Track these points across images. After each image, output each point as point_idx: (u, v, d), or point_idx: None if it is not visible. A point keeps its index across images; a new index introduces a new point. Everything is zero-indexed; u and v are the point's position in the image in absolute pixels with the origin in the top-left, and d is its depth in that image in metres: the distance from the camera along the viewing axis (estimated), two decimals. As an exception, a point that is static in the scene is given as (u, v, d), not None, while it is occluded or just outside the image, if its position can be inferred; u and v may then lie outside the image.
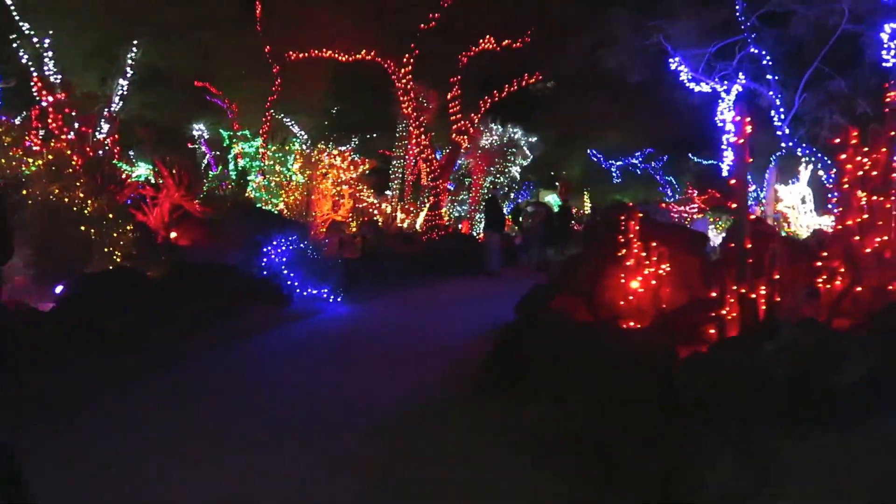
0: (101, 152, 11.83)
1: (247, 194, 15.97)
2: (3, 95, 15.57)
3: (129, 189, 11.09)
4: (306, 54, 17.47)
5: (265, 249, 9.92)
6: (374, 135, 27.01)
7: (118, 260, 8.79)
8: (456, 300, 11.70)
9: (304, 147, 15.64)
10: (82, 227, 8.31)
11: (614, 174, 25.70)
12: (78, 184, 9.14)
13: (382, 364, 6.99)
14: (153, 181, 12.81)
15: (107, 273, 7.32)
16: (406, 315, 9.97)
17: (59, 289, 7.10)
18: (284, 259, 9.89)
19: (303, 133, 22.12)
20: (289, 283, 9.66)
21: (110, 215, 8.65)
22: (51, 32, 17.31)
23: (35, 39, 16.87)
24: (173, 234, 10.94)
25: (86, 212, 8.51)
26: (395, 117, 21.77)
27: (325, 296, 9.99)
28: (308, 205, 13.18)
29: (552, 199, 33.17)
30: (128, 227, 9.15)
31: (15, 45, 16.90)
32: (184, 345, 7.24)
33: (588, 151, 25.93)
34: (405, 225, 18.66)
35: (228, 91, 21.37)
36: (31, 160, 8.96)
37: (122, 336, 6.60)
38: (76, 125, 14.18)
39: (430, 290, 12.52)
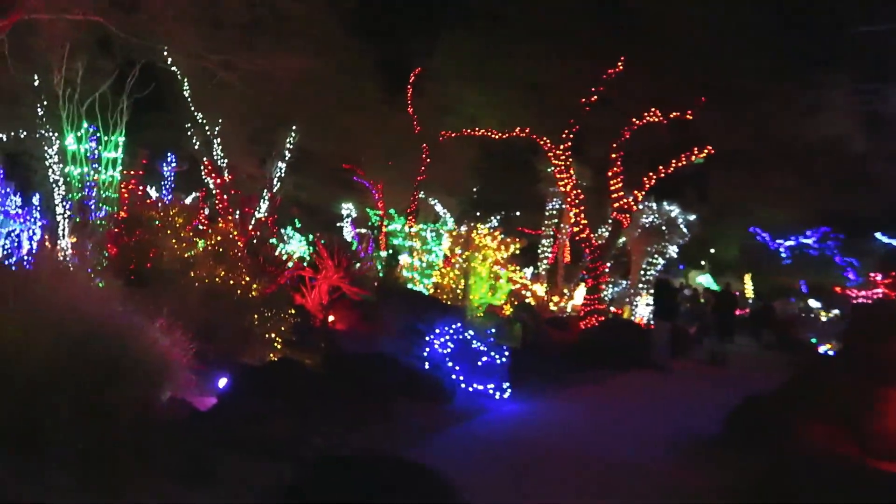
0: (260, 232, 11.72)
1: (396, 274, 15.49)
2: (175, 179, 16.25)
3: (289, 271, 10.75)
4: (457, 133, 17.12)
5: (427, 338, 9.05)
6: (517, 213, 26.33)
7: (278, 347, 8.22)
8: (634, 401, 10.19)
9: (454, 226, 15.00)
10: (244, 313, 7.83)
11: (783, 254, 23.21)
12: (241, 265, 8.80)
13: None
14: (307, 259, 12.56)
15: (269, 366, 6.67)
16: (582, 421, 8.63)
17: (221, 382, 6.50)
18: (448, 349, 8.95)
19: (446, 212, 21.79)
20: (452, 376, 8.67)
21: (267, 304, 8.13)
22: (220, 121, 18.29)
23: (207, 127, 17.83)
24: (331, 318, 10.38)
25: (251, 295, 8.05)
26: (542, 195, 20.92)
27: (490, 392, 8.89)
28: (465, 287, 12.34)
29: (703, 282, 30.69)
30: (290, 311, 8.62)
31: (189, 132, 17.94)
32: (344, 451, 6.35)
33: (751, 229, 23.68)
34: (556, 308, 17.41)
35: (374, 172, 21.59)
36: (198, 240, 8.76)
37: (284, 442, 5.81)
38: (239, 208, 14.41)
39: (598, 387, 11.09)
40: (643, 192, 14.95)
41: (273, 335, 8.11)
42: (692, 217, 21.26)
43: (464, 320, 10.02)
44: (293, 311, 8.56)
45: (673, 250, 20.61)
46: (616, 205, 14.81)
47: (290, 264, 10.54)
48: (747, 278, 27.23)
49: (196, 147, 17.80)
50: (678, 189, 21.50)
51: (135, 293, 6.49)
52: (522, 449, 7.03)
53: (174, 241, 8.21)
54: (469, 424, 8.04)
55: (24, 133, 16.96)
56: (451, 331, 9.21)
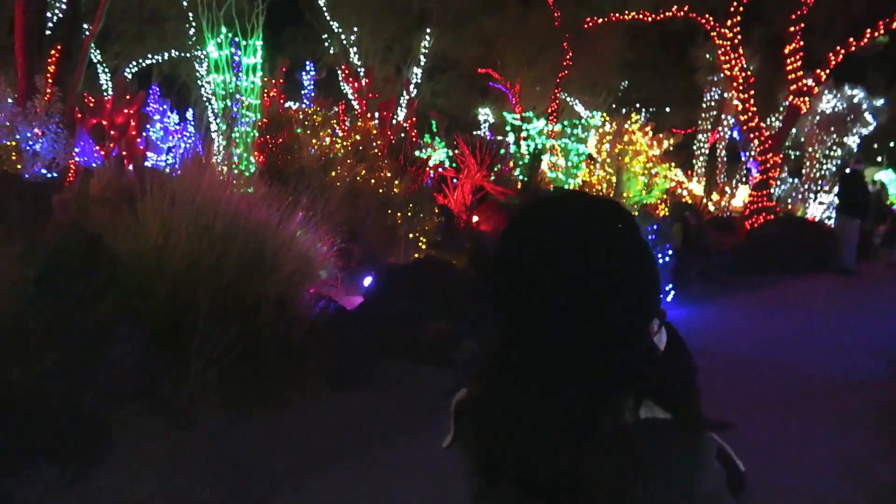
0: (402, 135, 11.20)
1: (539, 175, 14.56)
2: (314, 88, 16.08)
3: (430, 170, 10.22)
4: (603, 19, 15.44)
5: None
6: (668, 109, 24.10)
7: (423, 247, 7.76)
8: (821, 308, 8.84)
9: (601, 122, 13.69)
10: (389, 211, 7.37)
11: None
12: (382, 165, 8.33)
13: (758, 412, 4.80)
14: (447, 164, 11.96)
15: (417, 266, 6.18)
16: (764, 328, 7.54)
17: (366, 281, 6.11)
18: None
19: (588, 112, 20.31)
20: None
21: (410, 203, 7.61)
22: (355, 29, 17.79)
23: (343, 36, 17.42)
24: (475, 219, 9.79)
25: (393, 193, 7.58)
26: (698, 86, 18.82)
27: (652, 295, 8.00)
28: (617, 185, 11.23)
29: (884, 179, 26.93)
30: (434, 210, 8.09)
31: (326, 42, 17.61)
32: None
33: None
34: (716, 208, 15.80)
35: (511, 75, 20.44)
36: (338, 143, 8.35)
37: (436, 345, 5.35)
38: (377, 112, 13.98)
39: (772, 291, 9.79)
40: (827, 72, 12.73)
41: (417, 235, 7.64)
42: (879, 102, 18.36)
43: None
44: (437, 211, 8.02)
45: (853, 142, 17.96)
46: (793, 87, 12.75)
47: (430, 164, 9.98)
48: (942, 173, 23.48)
49: (333, 55, 17.54)
50: (861, 71, 18.50)
51: (277, 193, 6.19)
52: (705, 358, 6.16)
53: (314, 140, 7.83)
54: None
55: (175, 52, 17.49)
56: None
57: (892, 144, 26.17)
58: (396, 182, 7.69)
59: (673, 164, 15.12)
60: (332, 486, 3.54)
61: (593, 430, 0.87)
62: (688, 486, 0.87)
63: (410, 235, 7.66)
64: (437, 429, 3.88)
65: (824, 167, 16.23)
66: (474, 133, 24.15)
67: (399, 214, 7.43)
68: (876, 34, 12.22)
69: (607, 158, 12.15)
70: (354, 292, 6.10)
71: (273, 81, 11.09)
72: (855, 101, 17.12)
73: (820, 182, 15.97)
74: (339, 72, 15.55)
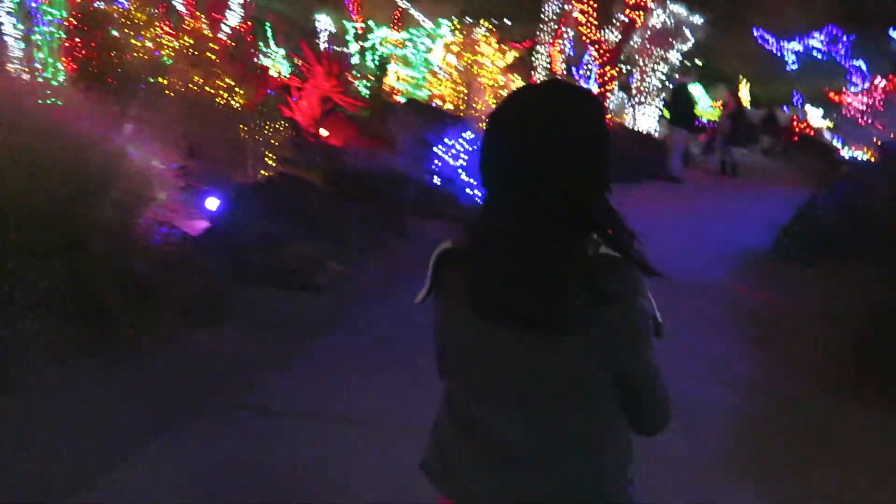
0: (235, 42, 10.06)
1: (385, 87, 13.97)
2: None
3: (273, 81, 9.33)
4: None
5: (437, 150, 7.95)
6: (509, 22, 24.03)
7: (272, 164, 7.10)
8: (659, 215, 9.37)
9: (448, 30, 13.27)
10: (238, 125, 6.60)
11: (792, 61, 21.54)
12: (220, 71, 7.40)
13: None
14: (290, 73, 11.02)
15: (271, 185, 5.59)
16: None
17: (212, 202, 5.45)
18: (461, 161, 7.90)
19: (428, 22, 19.71)
20: (467, 190, 7.70)
21: (255, 114, 6.85)
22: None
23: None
24: (324, 132, 9.15)
25: (235, 103, 6.78)
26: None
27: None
28: (468, 97, 11.00)
29: (696, 93, 29.12)
30: (282, 123, 7.39)
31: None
32: (360, 278, 5.48)
33: (755, 32, 21.82)
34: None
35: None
36: (165, 45, 7.25)
37: (299, 269, 4.92)
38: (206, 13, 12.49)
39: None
40: (660, -14, 13.12)
41: (265, 151, 6.95)
42: (698, 19, 19.45)
43: (473, 129, 8.84)
44: (284, 124, 7.33)
45: (675, 57, 19.04)
46: (631, 1, 13.04)
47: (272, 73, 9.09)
48: (744, 87, 25.80)
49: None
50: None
51: (97, 105, 5.24)
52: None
53: (137, 42, 6.73)
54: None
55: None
56: (463, 141, 8.10)
57: (699, 63, 28.02)
58: (238, 91, 6.87)
59: (518, 77, 15.16)
60: (198, 440, 3.11)
61: (570, 260, 1.08)
62: (635, 305, 1.11)
63: (259, 151, 6.95)
64: (310, 362, 3.51)
65: (651, 81, 17.07)
66: (316, 42, 22.70)
67: (245, 127, 6.68)
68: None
69: (454, 71, 11.83)
70: (199, 216, 5.43)
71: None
72: (681, 16, 18.00)
73: (648, 95, 16.82)
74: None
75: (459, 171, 7.83)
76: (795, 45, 21.41)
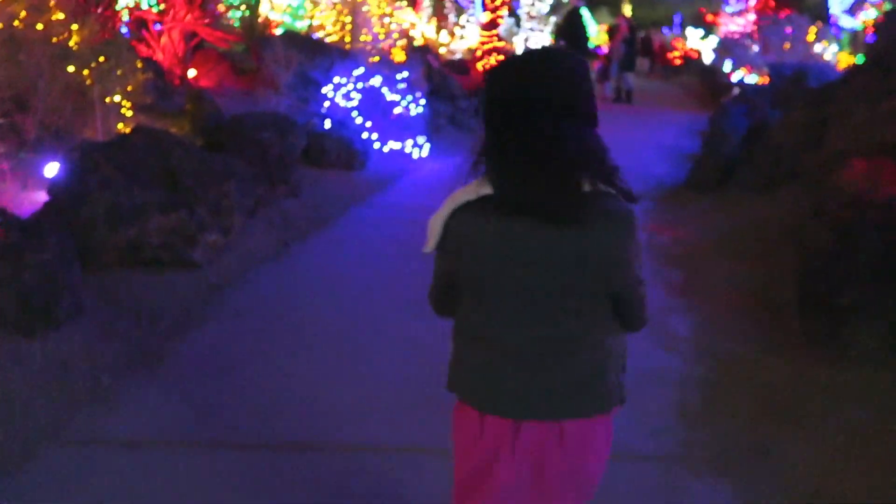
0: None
1: (260, 18, 12.55)
2: None
3: (121, 13, 7.95)
4: None
5: (325, 90, 7.06)
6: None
7: (128, 114, 5.99)
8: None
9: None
10: (71, 68, 5.41)
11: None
12: (50, 3, 6.09)
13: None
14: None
15: (123, 141, 4.56)
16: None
17: (51, 169, 4.41)
18: (353, 101, 7.06)
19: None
20: (363, 135, 6.92)
21: (106, 54, 5.67)
22: None
23: None
24: (192, 73, 7.97)
25: (71, 44, 5.57)
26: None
27: (407, 150, 7.29)
28: (354, 28, 9.95)
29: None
30: (137, 65, 6.23)
31: None
32: (245, 247, 4.69)
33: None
34: (447, 51, 15.36)
35: None
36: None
37: (166, 245, 4.07)
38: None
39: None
40: None
41: (118, 99, 5.82)
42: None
43: (363, 64, 7.96)
44: (140, 66, 6.17)
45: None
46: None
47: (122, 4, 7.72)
48: (627, 10, 25.75)
49: None
50: None
51: None
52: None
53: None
54: (389, 191, 6.55)
55: None
56: (353, 79, 7.24)
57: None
58: (75, 27, 5.64)
59: (405, 4, 14.13)
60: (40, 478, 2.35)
61: (569, 192, 1.37)
62: (631, 221, 1.40)
63: (108, 100, 5.80)
64: (180, 363, 2.70)
65: (541, 6, 16.51)
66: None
67: (87, 72, 5.51)
68: None
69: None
70: (34, 186, 4.39)
71: None
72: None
73: (538, 20, 16.28)
74: None
75: (352, 113, 7.00)
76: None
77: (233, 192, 4.46)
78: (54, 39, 5.57)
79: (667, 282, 4.45)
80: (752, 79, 11.41)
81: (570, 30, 11.56)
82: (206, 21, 8.04)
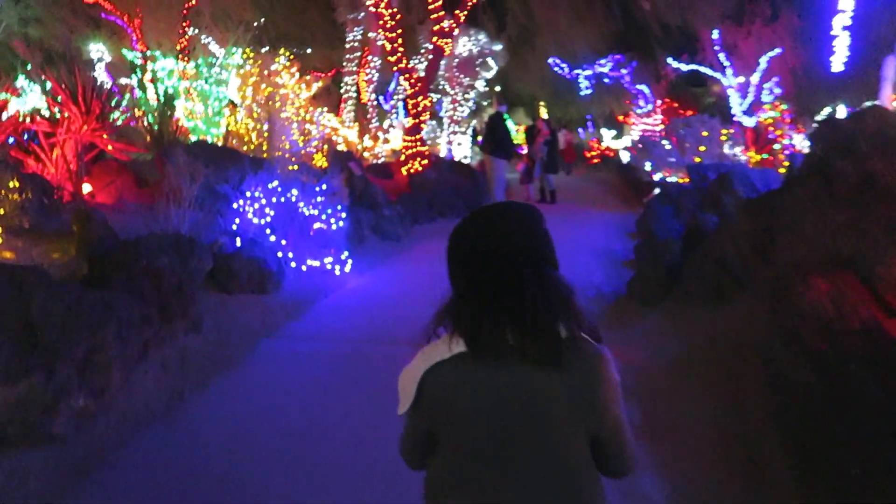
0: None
1: (174, 124, 11.91)
2: None
3: (7, 124, 7.14)
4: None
5: (236, 205, 6.37)
6: (309, 50, 22.65)
7: (-2, 241, 5.11)
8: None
9: (247, 59, 11.60)
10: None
11: (586, 86, 22.42)
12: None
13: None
14: (48, 114, 8.66)
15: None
16: (444, 289, 6.76)
17: None
18: (267, 217, 6.39)
19: (222, 51, 17.83)
20: (278, 253, 6.21)
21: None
22: None
23: None
24: (87, 189, 7.15)
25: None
26: (340, 25, 17.72)
27: (328, 267, 6.62)
28: (271, 135, 9.42)
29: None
30: (10, 184, 5.40)
31: None
32: (123, 408, 3.82)
33: (550, 60, 22.54)
34: (370, 155, 15.09)
35: (128, 4, 16.88)
36: None
37: (16, 418, 3.18)
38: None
39: (445, 241, 9.27)
40: (465, 13, 12.56)
41: (-15, 224, 4.96)
42: (497, 47, 19.55)
43: (279, 175, 7.36)
44: (16, 184, 5.35)
45: (481, 85, 18.90)
46: (436, 27, 12.32)
47: (3, 116, 6.93)
48: (543, 111, 26.68)
49: None
50: (475, 17, 19.42)
51: None
52: (378, 334, 4.98)
53: None
54: (308, 316, 5.80)
55: None
56: (268, 192, 6.60)
57: (497, 88, 28.71)
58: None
59: (325, 109, 13.88)
60: None
61: (550, 336, 1.41)
62: (608, 364, 1.42)
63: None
64: None
65: (462, 110, 16.64)
66: (91, 74, 19.63)
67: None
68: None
69: (253, 104, 10.23)
70: None
71: None
72: (482, 43, 17.82)
73: (460, 123, 16.35)
74: None
75: (266, 230, 6.31)
76: (587, 72, 22.40)
77: (110, 342, 3.63)
78: None
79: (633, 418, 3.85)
80: (671, 178, 11.51)
81: (493, 133, 11.45)
82: (105, 132, 7.32)
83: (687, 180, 11.04)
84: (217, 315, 5.26)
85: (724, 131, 12.22)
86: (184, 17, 15.17)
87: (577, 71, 22.40)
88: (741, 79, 17.07)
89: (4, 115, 6.93)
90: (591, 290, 6.57)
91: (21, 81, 17.25)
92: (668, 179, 11.48)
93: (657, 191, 11.30)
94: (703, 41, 18.54)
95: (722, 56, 18.53)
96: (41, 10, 18.10)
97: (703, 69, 19.87)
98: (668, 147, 12.53)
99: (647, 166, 12.13)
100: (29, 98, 16.55)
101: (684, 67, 20.32)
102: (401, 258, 7.92)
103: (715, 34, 17.91)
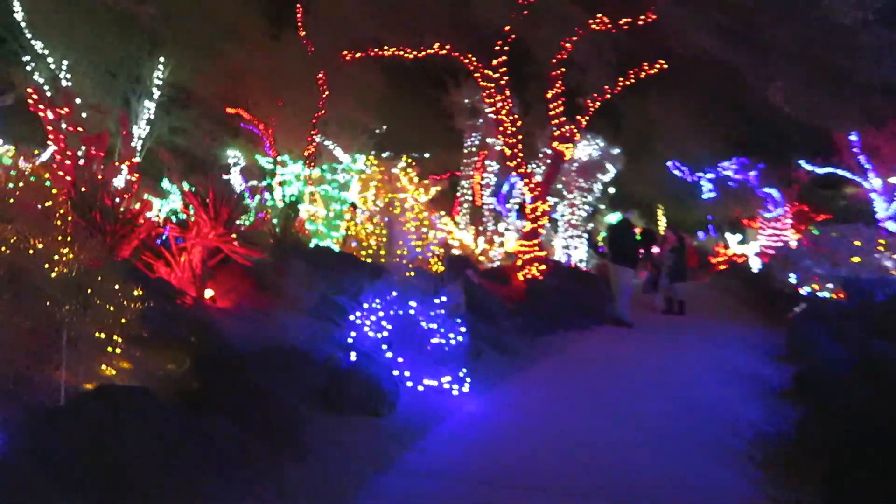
0: (102, 177, 8.08)
1: (296, 226, 12.15)
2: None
3: (143, 229, 7.32)
4: (361, 53, 13.68)
5: (353, 317, 6.01)
6: (427, 155, 23.25)
7: (116, 351, 4.94)
8: (625, 374, 7.59)
9: (365, 165, 11.78)
10: (48, 302, 4.47)
11: (708, 188, 21.43)
12: (60, 223, 5.38)
13: None
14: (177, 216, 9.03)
15: (75, 412, 3.41)
16: (577, 415, 5.95)
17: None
18: (384, 332, 5.97)
19: (347, 156, 18.52)
20: (394, 372, 5.72)
21: (99, 278, 4.77)
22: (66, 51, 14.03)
23: (50, 59, 13.51)
24: (209, 294, 7.09)
25: (55, 272, 4.69)
26: (458, 131, 18.03)
27: (445, 387, 6.04)
28: (389, 241, 9.26)
29: (614, 220, 28.95)
30: (134, 292, 5.30)
31: (29, 66, 13.51)
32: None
33: (669, 163, 21.79)
34: (485, 258, 14.72)
35: (263, 113, 18.11)
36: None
37: None
38: (83, 148, 10.58)
39: (566, 356, 8.50)
40: (587, 118, 12.28)
41: (104, 334, 4.81)
42: (616, 151, 19.10)
43: (396, 285, 7.01)
44: (139, 292, 5.24)
45: (598, 188, 18.38)
46: (557, 132, 12.06)
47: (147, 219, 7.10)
48: (661, 214, 25.67)
49: (41, 84, 13.54)
50: (591, 122, 19.18)
51: None
52: (515, 478, 4.22)
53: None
54: (426, 444, 5.17)
55: None
56: (386, 303, 6.22)
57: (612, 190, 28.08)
58: (66, 251, 4.82)
59: (443, 213, 13.78)
60: None
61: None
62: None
63: (96, 335, 4.80)
64: None
65: (580, 213, 16.12)
66: (225, 177, 20.98)
67: (69, 307, 4.56)
68: (627, 82, 12.03)
69: (374, 208, 10.20)
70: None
71: None
72: (601, 146, 17.42)
73: (578, 228, 15.79)
74: (29, 98, 11.74)
75: (382, 345, 5.87)
76: (709, 175, 21.42)
77: (207, 487, 3.17)
78: (47, 266, 4.72)
79: None
80: (823, 293, 10.23)
81: (618, 240, 10.80)
82: (230, 238, 7.33)
83: (843, 296, 9.75)
84: (325, 441, 4.75)
85: (881, 241, 10.85)
86: (313, 125, 15.91)
87: (698, 174, 21.49)
88: (890, 180, 15.59)
89: (146, 216, 7.09)
90: (747, 430, 5.56)
91: (166, 184, 18.65)
92: (819, 294, 10.21)
93: (802, 306, 10.06)
94: (838, 143, 17.28)
95: (862, 158, 17.12)
96: (189, 122, 19.73)
97: (840, 171, 18.45)
98: (826, 259, 11.26)
99: (792, 278, 10.91)
100: (171, 199, 17.80)
101: (819, 171, 18.96)
102: (522, 377, 7.22)
103: (854, 136, 16.65)
